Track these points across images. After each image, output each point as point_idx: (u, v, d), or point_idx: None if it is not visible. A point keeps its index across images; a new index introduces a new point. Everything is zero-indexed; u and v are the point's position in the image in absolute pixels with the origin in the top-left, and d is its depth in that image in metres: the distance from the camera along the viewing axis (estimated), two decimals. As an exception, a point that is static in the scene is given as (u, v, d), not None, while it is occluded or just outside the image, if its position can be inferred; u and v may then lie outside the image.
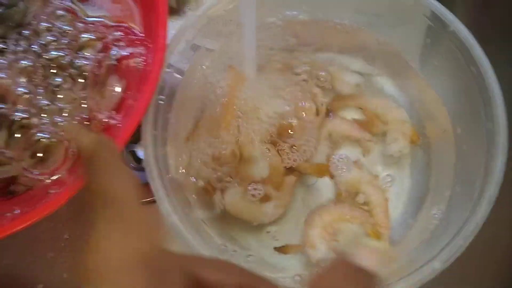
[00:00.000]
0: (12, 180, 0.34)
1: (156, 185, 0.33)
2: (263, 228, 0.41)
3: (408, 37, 0.42)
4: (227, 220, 0.40)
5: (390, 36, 0.43)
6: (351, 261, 0.18)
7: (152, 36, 0.35)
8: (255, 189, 0.39)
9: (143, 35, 0.37)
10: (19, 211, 0.32)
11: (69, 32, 0.37)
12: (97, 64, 0.36)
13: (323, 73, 0.44)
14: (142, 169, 0.51)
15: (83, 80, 0.36)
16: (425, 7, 0.39)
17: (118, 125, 0.34)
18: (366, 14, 0.43)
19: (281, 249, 0.40)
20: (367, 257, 0.18)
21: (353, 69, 0.45)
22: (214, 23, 0.40)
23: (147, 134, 0.35)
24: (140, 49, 0.36)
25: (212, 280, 0.17)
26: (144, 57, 0.36)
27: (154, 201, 0.34)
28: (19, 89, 0.35)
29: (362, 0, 0.42)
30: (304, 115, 0.42)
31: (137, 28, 0.38)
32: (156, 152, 0.35)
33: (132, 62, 0.36)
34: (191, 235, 0.33)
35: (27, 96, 0.35)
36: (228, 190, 0.40)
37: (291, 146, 0.41)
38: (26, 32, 0.37)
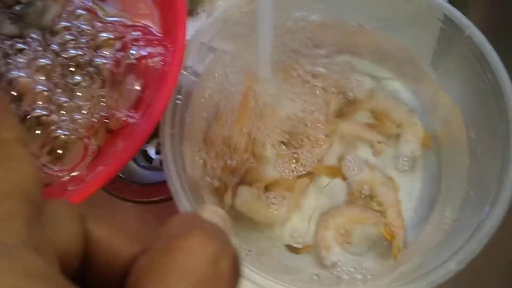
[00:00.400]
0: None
1: (174, 182, 0.34)
2: (275, 228, 0.41)
3: (421, 40, 0.43)
4: (240, 220, 0.41)
5: (403, 39, 0.43)
6: (201, 215, 0.17)
7: (171, 36, 0.36)
8: (275, 197, 0.39)
9: (162, 35, 0.37)
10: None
11: (88, 31, 0.38)
12: (115, 63, 0.37)
13: (335, 76, 0.44)
14: (153, 169, 0.51)
15: (101, 79, 0.36)
16: (438, 11, 0.39)
17: (136, 123, 0.34)
18: (379, 17, 0.43)
19: (294, 249, 0.40)
20: (211, 215, 0.18)
21: (366, 72, 0.46)
22: (231, 25, 0.40)
23: (165, 133, 0.35)
24: (158, 49, 0.36)
25: (104, 238, 0.16)
26: (162, 57, 0.36)
27: (171, 198, 0.34)
28: (38, 86, 0.35)
29: (374, 3, 0.43)
30: (316, 118, 0.42)
31: (155, 28, 0.38)
32: (173, 151, 0.35)
33: (150, 62, 0.37)
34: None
35: (46, 93, 0.35)
36: (240, 191, 0.40)
37: (301, 153, 0.41)
38: (44, 31, 0.37)
